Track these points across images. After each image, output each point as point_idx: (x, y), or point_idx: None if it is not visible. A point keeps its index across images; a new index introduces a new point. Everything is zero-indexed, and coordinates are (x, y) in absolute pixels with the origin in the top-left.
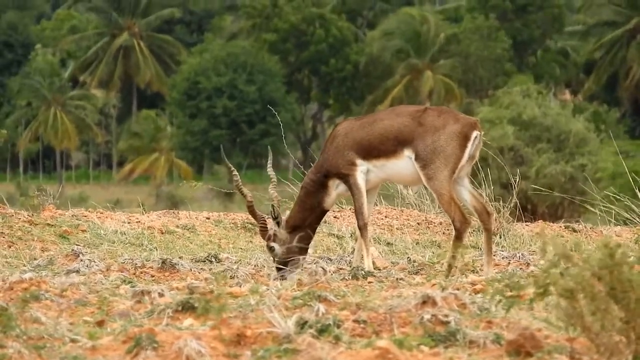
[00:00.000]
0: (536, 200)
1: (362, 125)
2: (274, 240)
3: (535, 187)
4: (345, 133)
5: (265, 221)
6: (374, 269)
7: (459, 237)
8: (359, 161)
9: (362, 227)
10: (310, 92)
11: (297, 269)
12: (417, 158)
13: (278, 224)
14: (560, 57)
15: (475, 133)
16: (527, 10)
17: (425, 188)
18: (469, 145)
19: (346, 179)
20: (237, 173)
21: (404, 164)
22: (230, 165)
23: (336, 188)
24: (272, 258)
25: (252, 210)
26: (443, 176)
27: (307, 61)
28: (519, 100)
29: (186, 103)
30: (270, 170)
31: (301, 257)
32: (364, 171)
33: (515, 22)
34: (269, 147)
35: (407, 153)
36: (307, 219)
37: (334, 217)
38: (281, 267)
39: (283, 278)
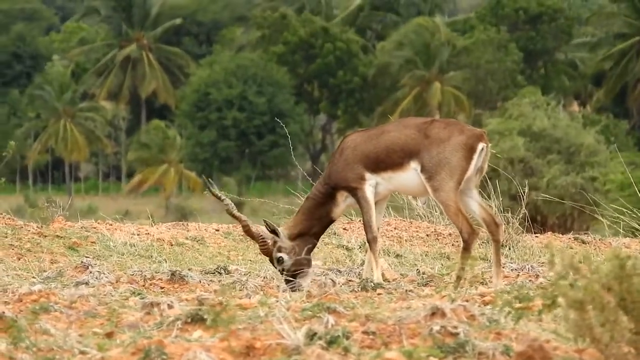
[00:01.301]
0: (546, 211)
1: (370, 137)
2: (279, 251)
3: (545, 196)
4: (354, 146)
5: (264, 238)
6: (383, 280)
7: (467, 248)
8: (367, 175)
9: (372, 240)
10: (319, 104)
11: (308, 278)
12: (422, 170)
13: (276, 234)
14: (569, 69)
15: (481, 145)
16: (538, 21)
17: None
18: (475, 157)
19: (355, 192)
20: (227, 201)
21: (410, 176)
22: (217, 194)
23: (345, 200)
24: (280, 269)
25: (248, 231)
26: (449, 187)
27: (316, 73)
28: (528, 111)
29: (195, 114)
30: (223, 197)
31: (310, 266)
32: (373, 185)
33: (529, 32)
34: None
35: (414, 165)
36: (314, 227)
37: (343, 228)
38: (289, 278)
39: (295, 290)
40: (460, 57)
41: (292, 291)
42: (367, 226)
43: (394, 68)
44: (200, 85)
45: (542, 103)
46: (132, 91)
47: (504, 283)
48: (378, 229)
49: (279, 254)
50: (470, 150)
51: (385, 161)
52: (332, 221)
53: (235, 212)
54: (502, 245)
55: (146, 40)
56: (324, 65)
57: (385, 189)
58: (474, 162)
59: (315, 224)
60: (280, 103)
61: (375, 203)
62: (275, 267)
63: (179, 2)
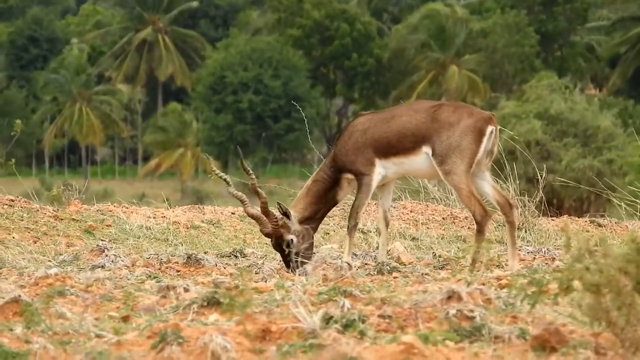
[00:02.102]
0: (562, 195)
1: (380, 121)
2: (290, 233)
3: (562, 180)
4: (364, 129)
5: (277, 220)
6: (400, 264)
7: (480, 230)
8: (377, 161)
9: (353, 227)
10: (335, 87)
11: (311, 260)
12: (433, 154)
13: (287, 217)
14: (585, 52)
15: (490, 127)
16: (553, 3)
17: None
18: (484, 139)
19: (361, 177)
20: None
21: (421, 160)
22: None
23: (350, 183)
24: (285, 251)
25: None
26: (460, 171)
27: (332, 56)
28: (545, 94)
29: (212, 98)
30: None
31: (313, 249)
32: (381, 173)
33: (541, 15)
34: (238, 149)
35: (425, 149)
36: (320, 210)
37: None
38: (295, 259)
39: (301, 274)
40: (477, 40)
41: (298, 274)
42: (355, 211)
43: (410, 51)
44: (215, 69)
45: (559, 86)
46: (148, 74)
47: (521, 266)
48: (389, 210)
49: (290, 236)
50: (479, 133)
51: (397, 146)
52: (336, 204)
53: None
54: (518, 228)
55: (162, 23)
56: (340, 47)
57: (394, 173)
58: (483, 145)
59: (321, 207)
60: (296, 86)
61: (383, 185)
62: (276, 249)
63: None
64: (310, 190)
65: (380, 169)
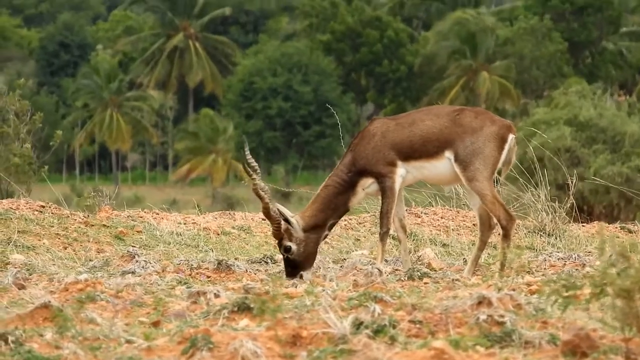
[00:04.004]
0: (592, 201)
1: (401, 126)
2: (290, 240)
3: (595, 179)
4: (382, 133)
5: (280, 224)
6: (430, 269)
7: (506, 235)
8: (399, 162)
9: (385, 233)
10: (366, 93)
11: (311, 272)
12: (456, 160)
13: (289, 223)
14: (616, 58)
15: (511, 136)
16: (585, 11)
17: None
18: (506, 147)
19: (383, 180)
20: (258, 178)
21: (443, 165)
22: (249, 169)
23: (367, 187)
24: (284, 256)
25: (267, 212)
26: (483, 177)
27: (363, 62)
28: (575, 101)
29: (242, 104)
30: (250, 159)
31: (313, 261)
32: (402, 175)
33: (572, 24)
34: (244, 137)
35: (447, 154)
36: (330, 218)
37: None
38: (294, 266)
39: (300, 277)
40: (505, 47)
41: (297, 280)
42: (384, 217)
43: (441, 57)
44: (245, 75)
45: (589, 92)
46: (179, 80)
47: (551, 272)
48: (404, 217)
49: (289, 244)
50: (502, 141)
51: (420, 150)
52: (347, 211)
53: (261, 192)
54: (549, 235)
55: (193, 29)
56: (371, 54)
57: (413, 178)
58: (505, 153)
59: (331, 214)
60: (326, 92)
61: None
62: (281, 252)
63: None
64: (319, 197)
65: (402, 171)
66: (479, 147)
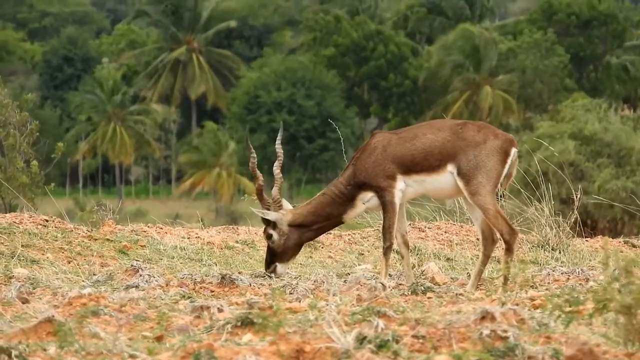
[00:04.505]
0: (596, 215)
1: (403, 140)
2: (273, 228)
3: (598, 197)
4: (384, 146)
5: (268, 208)
6: (434, 284)
7: (509, 249)
8: (399, 176)
9: (388, 248)
10: (370, 107)
11: (287, 264)
12: (459, 173)
13: (274, 209)
14: (620, 72)
15: (514, 150)
16: (590, 25)
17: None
18: (508, 161)
19: (382, 194)
20: (255, 156)
21: (445, 179)
22: (251, 147)
23: (367, 202)
24: (267, 243)
25: (259, 194)
26: (486, 191)
27: (367, 76)
28: (580, 115)
29: (246, 117)
30: (278, 147)
31: (291, 258)
32: (402, 189)
33: (578, 38)
34: (281, 122)
35: (450, 168)
36: (317, 223)
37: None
38: (272, 255)
39: (272, 272)
40: (508, 61)
41: (269, 272)
42: (386, 232)
43: (444, 72)
44: (249, 88)
45: (594, 106)
46: (183, 94)
47: (554, 286)
48: (406, 232)
49: (272, 232)
50: (504, 154)
51: (421, 164)
52: (340, 223)
53: (257, 172)
54: (552, 249)
55: (196, 43)
56: (375, 68)
57: (414, 192)
58: (507, 167)
59: (320, 220)
60: (329, 106)
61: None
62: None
63: (231, 6)
64: (314, 200)
65: (402, 184)
66: (482, 160)
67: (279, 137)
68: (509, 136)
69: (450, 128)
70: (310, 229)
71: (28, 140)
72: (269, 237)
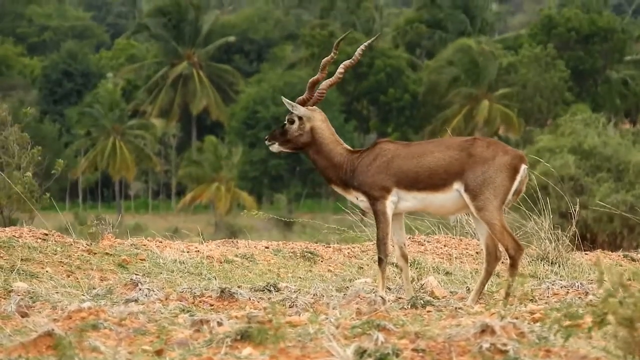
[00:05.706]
0: (595, 229)
1: (411, 155)
2: (299, 119)
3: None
4: (391, 157)
5: (308, 100)
6: (433, 298)
7: (513, 264)
8: (394, 189)
9: (383, 259)
10: (369, 122)
11: (283, 150)
12: (466, 189)
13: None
14: (620, 87)
15: (523, 166)
16: (590, 40)
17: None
18: (518, 177)
19: (374, 202)
20: (336, 52)
21: (448, 197)
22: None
23: (359, 200)
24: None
25: (312, 84)
26: (493, 207)
27: (366, 91)
28: (580, 129)
29: (245, 132)
30: (359, 51)
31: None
32: (394, 201)
33: (578, 52)
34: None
35: (457, 186)
36: (324, 156)
37: (392, 245)
38: (279, 134)
39: (269, 144)
40: (508, 75)
41: (266, 141)
42: (380, 243)
43: (443, 86)
44: (248, 103)
45: (593, 120)
46: (182, 108)
47: (554, 300)
48: (405, 245)
49: (295, 119)
50: (513, 171)
51: (425, 182)
52: (331, 183)
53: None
54: (552, 263)
55: (197, 57)
56: (375, 82)
57: (411, 207)
58: (516, 183)
59: (326, 157)
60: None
61: (394, 220)
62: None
63: (231, 21)
64: (343, 147)
65: (394, 198)
66: (490, 176)
67: (366, 44)
68: (519, 152)
69: (459, 145)
70: (318, 152)
71: (29, 161)
72: (291, 121)
